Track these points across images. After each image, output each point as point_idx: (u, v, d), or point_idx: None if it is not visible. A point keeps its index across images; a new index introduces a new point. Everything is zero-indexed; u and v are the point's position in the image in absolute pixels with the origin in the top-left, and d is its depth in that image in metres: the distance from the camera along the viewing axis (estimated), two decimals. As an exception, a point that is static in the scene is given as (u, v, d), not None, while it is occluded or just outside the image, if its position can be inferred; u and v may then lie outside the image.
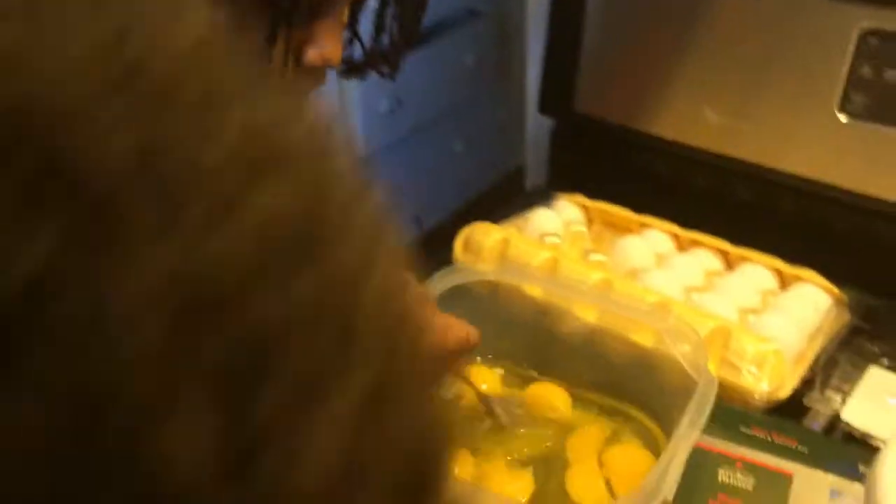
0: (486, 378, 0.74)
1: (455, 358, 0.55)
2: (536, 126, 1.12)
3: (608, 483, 0.64)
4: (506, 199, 1.03)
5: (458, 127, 2.02)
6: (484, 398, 0.67)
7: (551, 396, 0.71)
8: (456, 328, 0.55)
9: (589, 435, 0.68)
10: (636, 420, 0.70)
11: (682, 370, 0.64)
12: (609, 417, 0.70)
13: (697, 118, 0.96)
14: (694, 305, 0.76)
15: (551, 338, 0.76)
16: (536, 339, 0.77)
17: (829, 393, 0.72)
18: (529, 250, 0.80)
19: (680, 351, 0.65)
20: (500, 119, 1.93)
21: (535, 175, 1.14)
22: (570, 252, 0.87)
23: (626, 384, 0.72)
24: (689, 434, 0.57)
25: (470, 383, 0.66)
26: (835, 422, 0.69)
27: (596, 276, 0.77)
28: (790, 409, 0.69)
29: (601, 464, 0.67)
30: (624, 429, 0.69)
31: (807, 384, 0.72)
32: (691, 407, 0.58)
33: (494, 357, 0.78)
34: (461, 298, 0.74)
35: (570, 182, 1.00)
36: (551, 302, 0.75)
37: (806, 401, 0.71)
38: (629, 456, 0.66)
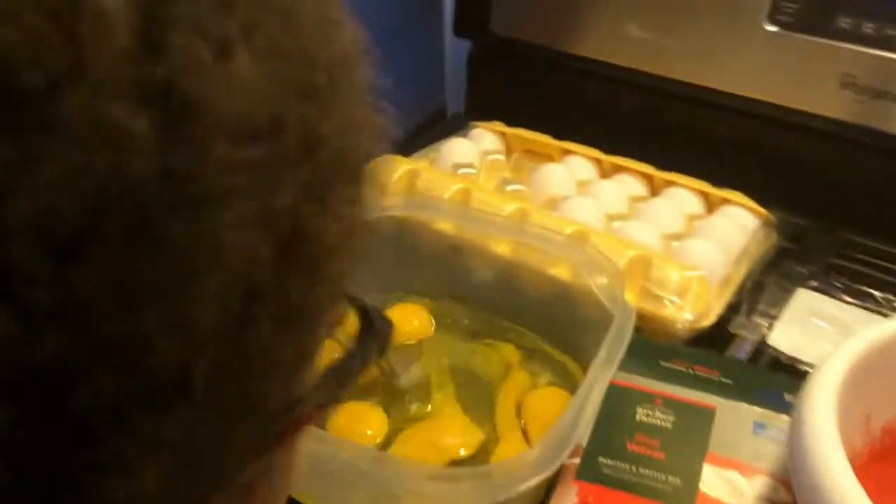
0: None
1: None
2: (456, 52, 1.05)
3: (525, 432, 0.60)
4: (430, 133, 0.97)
5: (384, 61, 1.95)
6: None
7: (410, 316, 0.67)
8: None
9: (509, 388, 0.63)
10: (556, 361, 0.66)
11: (599, 304, 0.60)
12: (528, 359, 0.66)
13: (621, 36, 0.90)
14: (614, 234, 0.71)
15: (465, 275, 0.71)
16: (448, 277, 0.72)
17: (756, 318, 0.68)
18: (440, 182, 0.74)
19: (596, 283, 0.60)
20: (427, 51, 1.86)
21: (455, 105, 1.08)
22: (485, 183, 0.81)
23: (544, 321, 0.67)
24: (603, 372, 0.53)
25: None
26: (761, 348, 0.65)
27: (511, 208, 0.71)
28: (716, 338, 0.66)
29: (520, 412, 0.62)
30: (543, 371, 0.65)
31: (732, 310, 0.68)
32: (606, 342, 0.54)
33: (404, 298, 0.73)
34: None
35: (489, 109, 0.94)
36: (464, 237, 0.70)
37: (731, 327, 0.67)
38: (547, 400, 0.62)
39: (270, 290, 0.17)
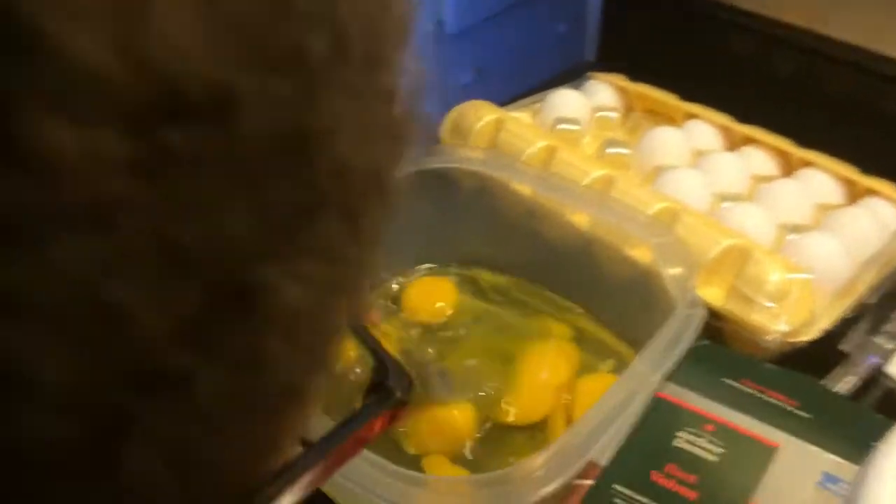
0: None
1: None
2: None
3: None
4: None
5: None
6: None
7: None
8: None
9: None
10: (615, 351, 0.57)
11: (671, 297, 0.50)
12: (584, 344, 0.58)
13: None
14: (717, 217, 0.60)
15: (539, 242, 0.63)
16: (522, 243, 0.64)
17: (878, 339, 0.56)
18: (524, 136, 0.66)
19: (668, 272, 0.51)
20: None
21: (589, 53, 0.97)
22: (589, 142, 0.72)
23: (613, 306, 0.59)
24: (643, 379, 0.44)
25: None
26: (875, 377, 0.53)
27: (598, 173, 0.62)
28: (817, 357, 0.54)
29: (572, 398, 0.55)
30: (598, 359, 0.56)
31: (848, 324, 0.56)
32: (654, 344, 0.45)
33: (473, 262, 0.66)
34: (444, 188, 0.62)
35: (620, 60, 0.84)
36: (541, 202, 0.62)
37: (843, 345, 0.56)
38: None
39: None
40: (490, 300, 0.64)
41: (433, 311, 0.60)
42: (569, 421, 0.52)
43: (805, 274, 0.53)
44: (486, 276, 0.66)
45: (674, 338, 0.46)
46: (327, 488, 0.47)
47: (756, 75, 0.81)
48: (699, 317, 0.47)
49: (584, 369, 0.55)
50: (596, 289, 0.60)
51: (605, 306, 0.59)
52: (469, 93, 2.12)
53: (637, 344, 0.57)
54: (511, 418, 0.52)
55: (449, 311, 0.61)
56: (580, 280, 0.61)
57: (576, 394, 0.54)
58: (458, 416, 0.52)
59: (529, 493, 0.40)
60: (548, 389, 0.53)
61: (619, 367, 0.56)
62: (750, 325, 0.53)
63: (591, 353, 0.57)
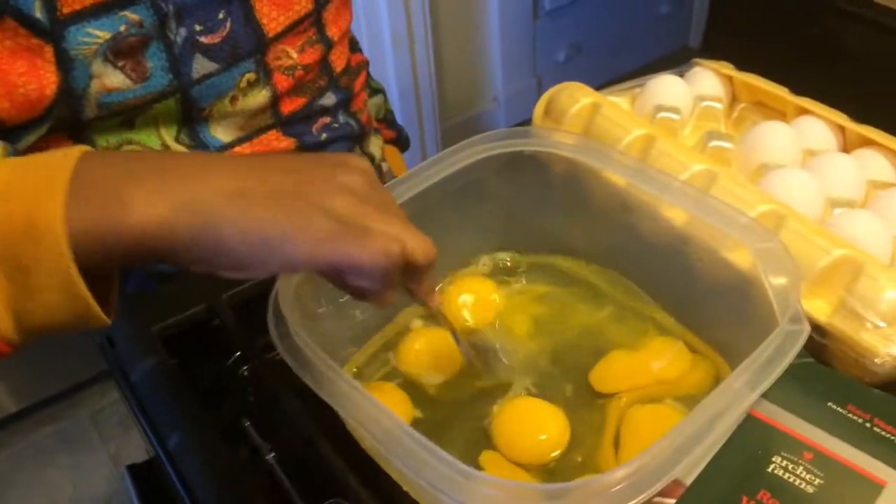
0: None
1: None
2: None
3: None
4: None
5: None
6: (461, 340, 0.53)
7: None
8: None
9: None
10: (706, 359, 0.54)
11: (772, 308, 0.47)
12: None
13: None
14: (827, 224, 0.56)
15: (631, 240, 0.60)
16: (613, 237, 0.61)
17: None
18: (622, 123, 0.62)
19: (771, 281, 0.47)
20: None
21: (695, 40, 0.92)
22: (690, 133, 0.68)
23: (707, 312, 0.55)
24: (738, 396, 0.41)
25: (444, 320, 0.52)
26: None
27: (698, 168, 0.58)
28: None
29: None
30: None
31: (971, 354, 0.51)
32: (754, 360, 0.42)
33: (559, 251, 0.63)
34: (533, 172, 0.60)
35: (728, 48, 0.79)
36: (636, 194, 0.58)
37: (963, 376, 0.51)
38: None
39: None
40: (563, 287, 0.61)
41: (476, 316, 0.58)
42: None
43: (925, 294, 0.49)
44: (566, 264, 0.63)
45: (774, 354, 0.42)
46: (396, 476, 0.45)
47: (877, 72, 0.75)
48: (803, 334, 0.43)
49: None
50: (687, 290, 0.56)
51: (695, 309, 0.56)
52: (564, 70, 2.07)
53: (727, 351, 0.54)
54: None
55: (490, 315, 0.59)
56: (671, 279, 0.57)
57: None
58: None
59: (610, 505, 0.37)
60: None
61: (705, 371, 0.53)
62: (858, 345, 0.48)
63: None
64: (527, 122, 0.67)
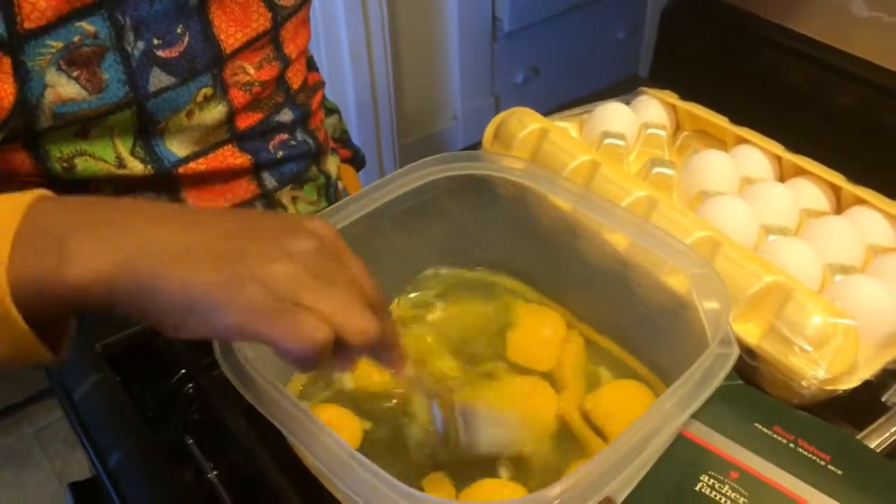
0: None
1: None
2: (654, 10, 0.92)
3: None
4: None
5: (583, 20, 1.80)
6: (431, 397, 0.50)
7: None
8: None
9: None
10: (644, 378, 0.55)
11: (704, 332, 0.48)
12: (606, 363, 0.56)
13: (852, 17, 0.74)
14: (762, 250, 0.58)
15: (574, 263, 0.61)
16: (557, 261, 0.62)
17: (923, 394, 0.53)
18: (568, 149, 0.64)
19: (704, 306, 0.49)
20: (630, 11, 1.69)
21: (644, 70, 0.95)
22: (634, 160, 0.70)
23: (645, 335, 0.57)
24: (670, 416, 0.42)
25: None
26: (916, 434, 0.51)
27: (639, 194, 0.60)
28: (856, 408, 0.52)
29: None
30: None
31: (892, 375, 0.54)
32: (683, 381, 0.43)
33: (511, 272, 0.64)
34: (482, 193, 0.61)
35: (673, 77, 0.81)
36: (580, 218, 0.60)
37: (887, 398, 0.53)
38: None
39: None
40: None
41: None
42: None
43: (849, 320, 0.51)
44: (509, 283, 0.64)
45: (704, 376, 0.43)
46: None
47: (811, 105, 0.78)
48: (733, 356, 0.45)
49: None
50: (627, 313, 0.58)
51: (634, 332, 0.57)
52: (522, 91, 2.09)
53: (664, 372, 0.55)
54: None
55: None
56: (612, 302, 0.59)
57: (601, 400, 0.53)
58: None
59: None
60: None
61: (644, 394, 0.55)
62: (786, 368, 0.50)
63: (613, 373, 0.56)
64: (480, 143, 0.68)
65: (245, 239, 0.38)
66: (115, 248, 0.36)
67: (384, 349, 0.43)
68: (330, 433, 0.42)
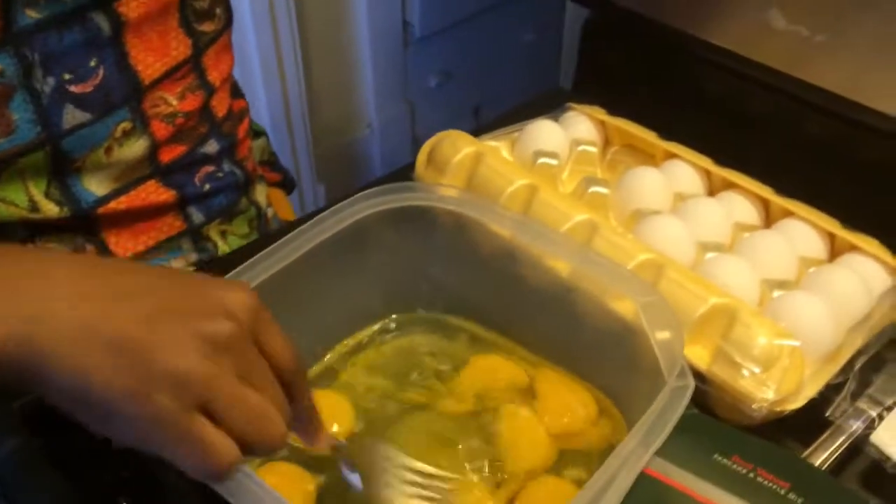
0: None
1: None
2: (572, 20, 0.92)
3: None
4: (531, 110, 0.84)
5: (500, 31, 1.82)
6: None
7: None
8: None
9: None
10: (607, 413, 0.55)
11: (657, 362, 0.48)
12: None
13: (766, 27, 0.75)
14: (702, 269, 0.58)
15: (518, 291, 0.60)
16: (501, 290, 0.61)
17: (863, 404, 0.54)
18: (504, 173, 0.63)
19: (656, 336, 0.48)
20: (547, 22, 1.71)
21: (566, 81, 0.95)
22: (567, 179, 0.69)
23: (594, 361, 0.56)
24: (635, 456, 0.42)
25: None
26: (860, 446, 0.52)
27: (580, 217, 0.60)
28: (802, 424, 0.52)
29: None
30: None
31: (834, 390, 0.55)
32: (644, 421, 0.43)
33: (453, 307, 0.63)
34: (419, 222, 0.59)
35: (597, 92, 0.81)
36: (520, 245, 0.59)
37: (830, 413, 0.54)
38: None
39: None
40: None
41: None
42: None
43: (794, 341, 0.51)
44: (455, 322, 0.63)
45: (663, 412, 0.43)
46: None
47: (735, 117, 0.80)
48: (689, 388, 0.44)
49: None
50: (574, 340, 0.57)
51: (582, 359, 0.57)
52: (436, 95, 2.07)
53: (618, 398, 0.55)
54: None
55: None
56: (558, 329, 0.58)
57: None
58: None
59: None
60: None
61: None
62: (736, 391, 0.51)
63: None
64: (400, 149, 0.66)
65: (154, 323, 0.34)
66: (5, 318, 0.32)
67: (301, 431, 0.41)
68: (273, 494, 0.39)
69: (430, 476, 0.47)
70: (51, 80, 0.53)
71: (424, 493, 0.46)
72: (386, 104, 1.89)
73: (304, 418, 0.41)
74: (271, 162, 0.85)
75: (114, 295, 0.34)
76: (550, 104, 0.78)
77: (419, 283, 0.62)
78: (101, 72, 0.55)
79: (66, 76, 0.53)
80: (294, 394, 0.39)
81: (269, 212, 0.78)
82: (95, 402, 0.33)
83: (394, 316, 0.62)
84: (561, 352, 0.58)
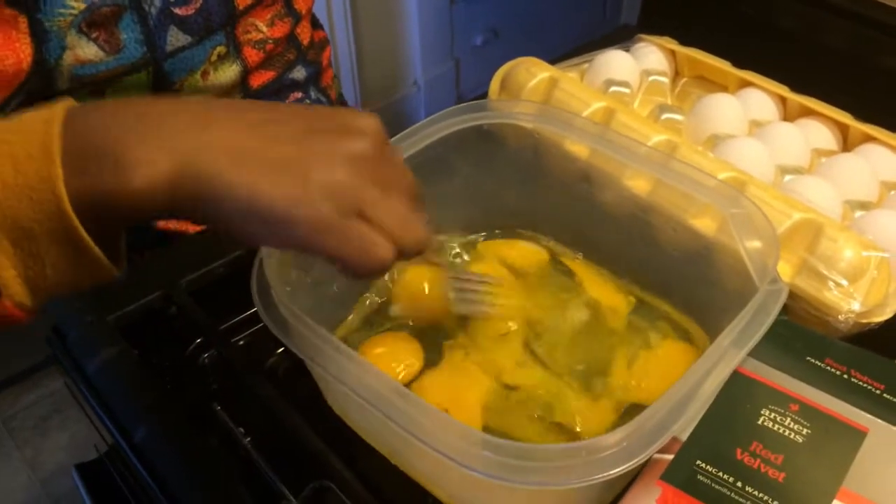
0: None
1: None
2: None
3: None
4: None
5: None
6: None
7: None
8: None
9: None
10: (682, 327, 0.55)
11: (746, 272, 0.48)
12: (650, 322, 0.56)
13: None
14: (782, 189, 0.58)
15: (593, 211, 0.60)
16: (575, 211, 0.61)
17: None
18: (581, 97, 0.63)
19: (746, 246, 0.48)
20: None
21: (629, 14, 0.94)
22: (639, 108, 0.69)
23: (677, 280, 0.56)
24: (729, 354, 0.42)
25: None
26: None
27: (658, 138, 0.59)
28: (889, 340, 0.52)
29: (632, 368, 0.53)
30: (665, 340, 0.54)
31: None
32: (739, 319, 0.43)
33: (525, 228, 0.63)
34: (489, 143, 0.59)
35: (665, 24, 0.80)
36: (597, 164, 0.59)
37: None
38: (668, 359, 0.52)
39: None
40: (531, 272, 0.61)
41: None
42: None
43: (881, 252, 0.51)
44: (529, 246, 0.63)
45: (757, 314, 0.43)
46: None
47: (806, 45, 0.78)
48: (783, 293, 0.44)
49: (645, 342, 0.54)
50: (653, 259, 0.57)
51: (663, 278, 0.57)
52: (482, 53, 2.07)
53: (700, 315, 0.55)
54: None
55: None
56: (634, 249, 0.58)
57: (651, 364, 0.52)
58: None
59: (610, 467, 0.38)
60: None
61: (683, 339, 0.54)
62: (822, 303, 0.50)
63: (650, 325, 0.55)
64: (445, 108, 0.66)
65: (303, 143, 0.37)
66: (173, 151, 0.35)
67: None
68: (379, 373, 0.41)
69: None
70: (157, 2, 0.54)
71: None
72: (432, 62, 1.89)
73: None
74: (341, 102, 0.86)
75: (265, 121, 0.37)
76: (617, 42, 0.78)
77: (492, 205, 0.62)
78: None
79: None
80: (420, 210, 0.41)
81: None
82: (266, 211, 0.35)
83: (471, 236, 0.63)
84: (638, 272, 0.58)
